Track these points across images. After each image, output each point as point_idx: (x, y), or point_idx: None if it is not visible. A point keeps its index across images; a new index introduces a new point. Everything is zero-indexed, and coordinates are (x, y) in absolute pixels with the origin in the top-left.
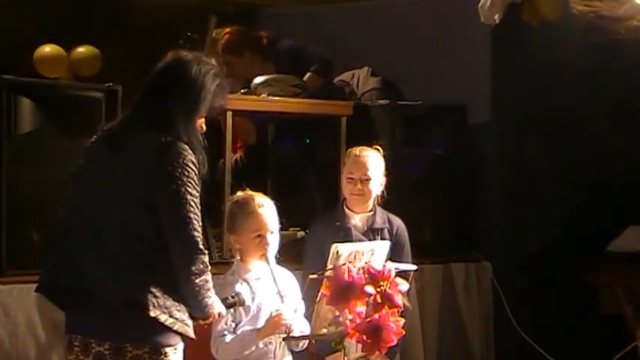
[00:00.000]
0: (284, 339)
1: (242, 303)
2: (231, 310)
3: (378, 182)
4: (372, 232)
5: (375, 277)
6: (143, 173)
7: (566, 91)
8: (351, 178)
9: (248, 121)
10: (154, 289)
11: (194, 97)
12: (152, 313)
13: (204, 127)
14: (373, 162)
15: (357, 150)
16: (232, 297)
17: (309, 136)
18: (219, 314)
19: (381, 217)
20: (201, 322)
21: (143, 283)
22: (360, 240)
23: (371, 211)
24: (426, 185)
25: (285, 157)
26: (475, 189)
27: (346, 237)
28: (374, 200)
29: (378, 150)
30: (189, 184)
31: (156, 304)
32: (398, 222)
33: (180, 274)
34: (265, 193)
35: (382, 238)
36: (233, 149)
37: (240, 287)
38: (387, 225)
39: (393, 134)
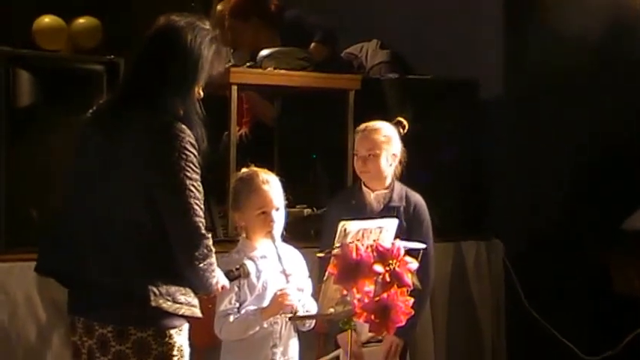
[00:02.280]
0: (290, 319)
1: (247, 275)
2: (236, 282)
3: (386, 158)
4: (388, 210)
5: (383, 256)
6: (139, 159)
7: (580, 65)
8: (357, 155)
9: (265, 100)
10: (155, 278)
11: (191, 67)
12: (154, 303)
13: (201, 94)
14: (379, 137)
15: (363, 125)
16: (237, 269)
17: (317, 110)
18: (223, 287)
19: (399, 194)
20: (204, 296)
21: (144, 273)
22: (375, 218)
23: (387, 188)
24: (436, 161)
25: (291, 133)
26: (486, 165)
27: (361, 216)
28: (391, 176)
29: (400, 122)
30: (188, 169)
31: (158, 294)
32: (416, 198)
33: (183, 261)
34: (271, 169)
35: (398, 217)
36: (238, 124)
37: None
38: (404, 202)
39: (402, 109)
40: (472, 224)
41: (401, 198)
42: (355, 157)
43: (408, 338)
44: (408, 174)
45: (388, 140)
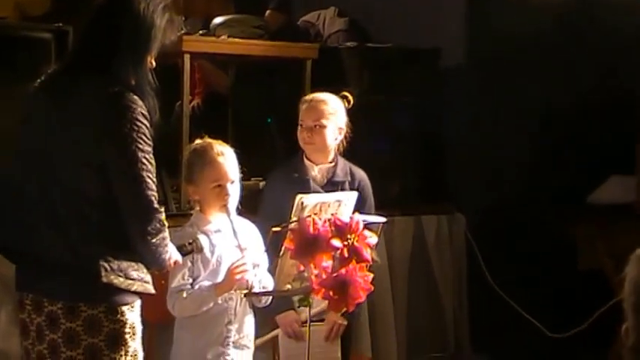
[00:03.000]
0: (245, 295)
1: (200, 249)
2: (189, 257)
3: (332, 130)
4: (331, 185)
5: (342, 230)
6: (89, 130)
7: (542, 34)
8: (302, 126)
9: (219, 69)
10: (106, 253)
11: (143, 36)
12: (105, 279)
13: (153, 64)
14: (326, 108)
15: (310, 96)
16: (189, 244)
17: (272, 80)
18: (176, 262)
19: (343, 169)
20: (156, 272)
21: (95, 247)
22: (319, 192)
23: (332, 162)
24: (395, 133)
25: (246, 103)
26: (446, 136)
27: (303, 189)
28: (335, 151)
29: (345, 96)
30: (140, 141)
31: (109, 269)
32: (361, 174)
33: (135, 235)
34: (225, 141)
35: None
36: (191, 95)
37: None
38: (349, 178)
39: (361, 79)
40: (433, 198)
41: (345, 173)
42: (300, 128)
43: (352, 319)
44: (365, 147)
45: (335, 112)
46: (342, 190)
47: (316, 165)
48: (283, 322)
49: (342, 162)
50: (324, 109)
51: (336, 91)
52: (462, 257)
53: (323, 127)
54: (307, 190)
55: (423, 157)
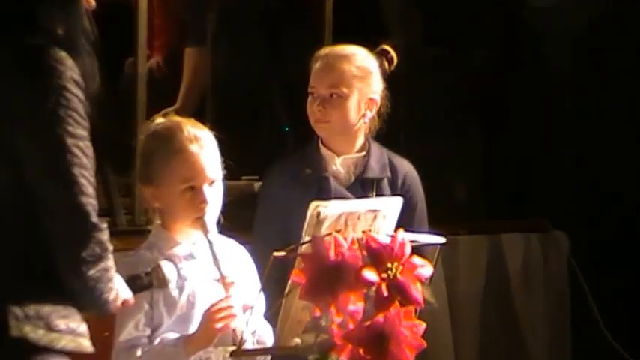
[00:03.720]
0: (231, 354)
1: (162, 283)
2: (146, 295)
3: (358, 103)
4: (362, 186)
5: (378, 256)
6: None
7: None
8: (313, 95)
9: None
10: (19, 292)
11: None
12: (16, 332)
13: (92, 3)
14: (349, 68)
15: (326, 50)
16: (146, 274)
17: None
18: (125, 303)
19: (379, 161)
20: (97, 319)
21: (1, 283)
22: (344, 197)
23: (361, 151)
24: (462, 111)
25: (232, 64)
26: (542, 117)
27: (321, 193)
28: (365, 134)
29: (385, 53)
30: (69, 121)
31: (22, 316)
32: (406, 168)
33: (64, 263)
34: (200, 120)
35: (379, 195)
36: (149, 49)
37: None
38: (388, 174)
39: (407, 24)
40: (518, 207)
41: (383, 167)
42: (310, 99)
43: None
44: (414, 132)
45: (364, 75)
46: (379, 193)
47: (338, 155)
48: None
49: (377, 151)
50: (345, 69)
51: (369, 44)
52: (561, 291)
53: (343, 96)
54: (326, 195)
55: (505, 149)
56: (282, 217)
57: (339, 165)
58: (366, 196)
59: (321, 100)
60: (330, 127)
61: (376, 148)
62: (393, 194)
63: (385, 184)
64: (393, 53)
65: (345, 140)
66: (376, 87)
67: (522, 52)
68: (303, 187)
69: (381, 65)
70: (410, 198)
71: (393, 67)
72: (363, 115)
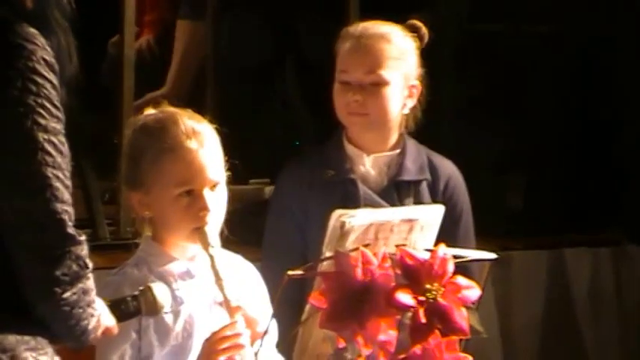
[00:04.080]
0: None
1: (154, 308)
2: (133, 323)
3: (401, 90)
4: (397, 190)
5: (415, 275)
6: None
7: None
8: (346, 82)
9: None
10: None
11: None
12: None
13: None
14: (388, 48)
15: (357, 27)
16: (133, 298)
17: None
18: (107, 331)
19: (416, 160)
20: (74, 352)
21: None
22: (375, 204)
23: (395, 148)
24: (520, 101)
25: (237, 42)
26: (617, 108)
27: (346, 199)
28: (399, 126)
29: (415, 28)
30: (40, 111)
31: None
32: (449, 169)
33: (34, 285)
34: (200, 110)
35: (417, 202)
36: (138, 25)
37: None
38: (427, 175)
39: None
40: (585, 217)
41: (421, 167)
42: (337, 87)
43: None
44: (458, 124)
45: (405, 57)
46: (417, 199)
47: (368, 154)
48: None
49: (414, 148)
50: (384, 50)
51: (398, 19)
52: (637, 316)
53: (384, 84)
54: (353, 201)
55: (569, 145)
56: (299, 229)
57: (369, 165)
58: (402, 203)
59: (358, 89)
60: (367, 120)
61: (412, 145)
62: (434, 201)
63: (424, 188)
64: (424, 30)
65: (378, 136)
66: (416, 71)
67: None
68: (323, 192)
69: (416, 42)
70: (453, 206)
71: (423, 45)
72: (404, 106)
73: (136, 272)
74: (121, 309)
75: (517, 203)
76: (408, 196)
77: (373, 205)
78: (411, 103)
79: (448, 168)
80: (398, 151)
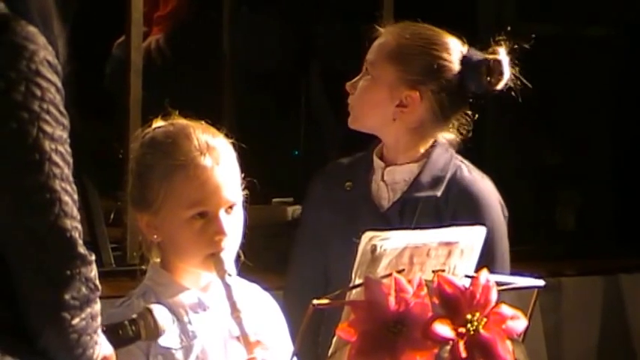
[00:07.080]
0: None
1: (154, 332)
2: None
3: (386, 88)
4: (401, 208)
5: (454, 304)
6: None
7: None
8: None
9: None
10: None
11: None
12: None
13: None
14: (391, 44)
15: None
16: (131, 322)
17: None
18: (105, 359)
19: (436, 173)
20: None
21: None
22: (377, 222)
23: (419, 160)
24: (568, 111)
25: (256, 45)
26: None
27: (365, 216)
28: (422, 137)
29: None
30: (46, 117)
31: None
32: (478, 186)
33: (40, 310)
34: (216, 123)
35: (420, 221)
36: (146, 25)
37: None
38: (438, 192)
39: None
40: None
41: (436, 181)
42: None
43: None
44: (496, 138)
45: (405, 58)
46: (439, 216)
47: (387, 164)
48: None
49: (440, 160)
50: (384, 44)
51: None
52: None
53: (368, 76)
54: (371, 219)
55: (627, 159)
56: (324, 250)
57: (386, 177)
58: (403, 222)
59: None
60: (351, 116)
61: (439, 157)
62: (436, 218)
63: (433, 205)
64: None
65: (390, 145)
66: (421, 80)
67: None
68: (346, 207)
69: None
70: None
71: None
72: (394, 113)
73: (142, 304)
74: (118, 334)
75: (569, 225)
76: (412, 212)
77: (374, 222)
78: (405, 115)
79: (477, 184)
80: (419, 162)
